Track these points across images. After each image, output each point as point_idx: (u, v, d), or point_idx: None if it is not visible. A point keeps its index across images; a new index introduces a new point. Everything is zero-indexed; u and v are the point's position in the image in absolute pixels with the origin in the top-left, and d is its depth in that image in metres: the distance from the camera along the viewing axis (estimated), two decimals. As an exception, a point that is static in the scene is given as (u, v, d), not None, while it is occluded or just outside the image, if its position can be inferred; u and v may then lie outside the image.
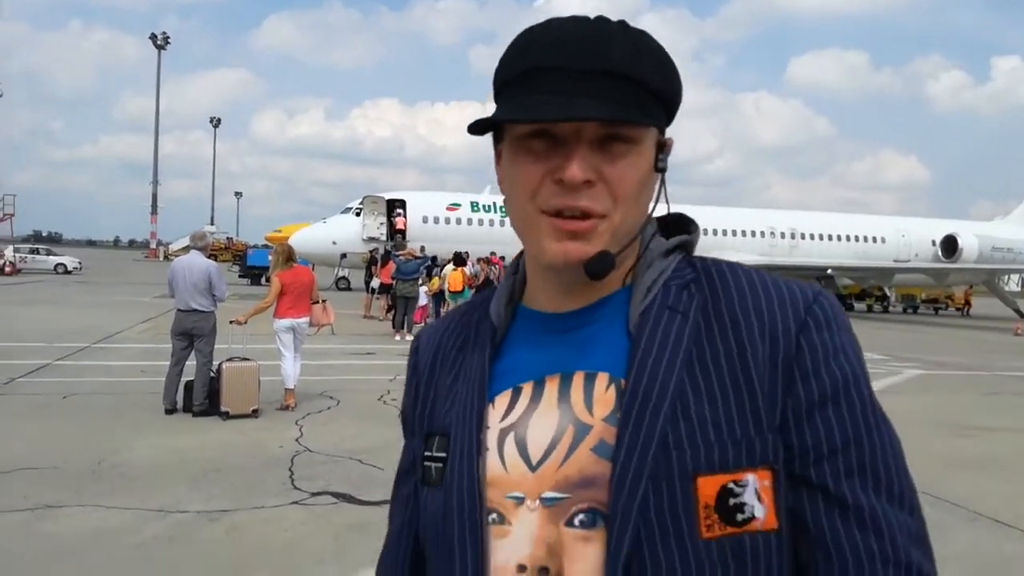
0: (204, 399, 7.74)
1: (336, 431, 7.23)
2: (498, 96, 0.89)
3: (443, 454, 0.90)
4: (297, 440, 6.82)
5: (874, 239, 36.10)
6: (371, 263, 20.70)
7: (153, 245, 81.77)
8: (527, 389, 0.89)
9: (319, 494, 5.33)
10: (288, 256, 8.51)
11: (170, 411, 7.72)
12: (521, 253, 0.98)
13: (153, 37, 72.49)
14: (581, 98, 0.81)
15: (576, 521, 0.81)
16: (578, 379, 0.87)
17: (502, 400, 0.89)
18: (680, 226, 0.97)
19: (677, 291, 0.88)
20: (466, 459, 0.87)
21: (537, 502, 0.83)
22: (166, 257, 76.97)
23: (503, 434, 0.87)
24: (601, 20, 0.86)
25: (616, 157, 0.83)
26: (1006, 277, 37.82)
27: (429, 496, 0.91)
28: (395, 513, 1.05)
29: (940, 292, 39.26)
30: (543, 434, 0.85)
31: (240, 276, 35.18)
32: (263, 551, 4.31)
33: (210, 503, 5.02)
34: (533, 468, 0.84)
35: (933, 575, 0.82)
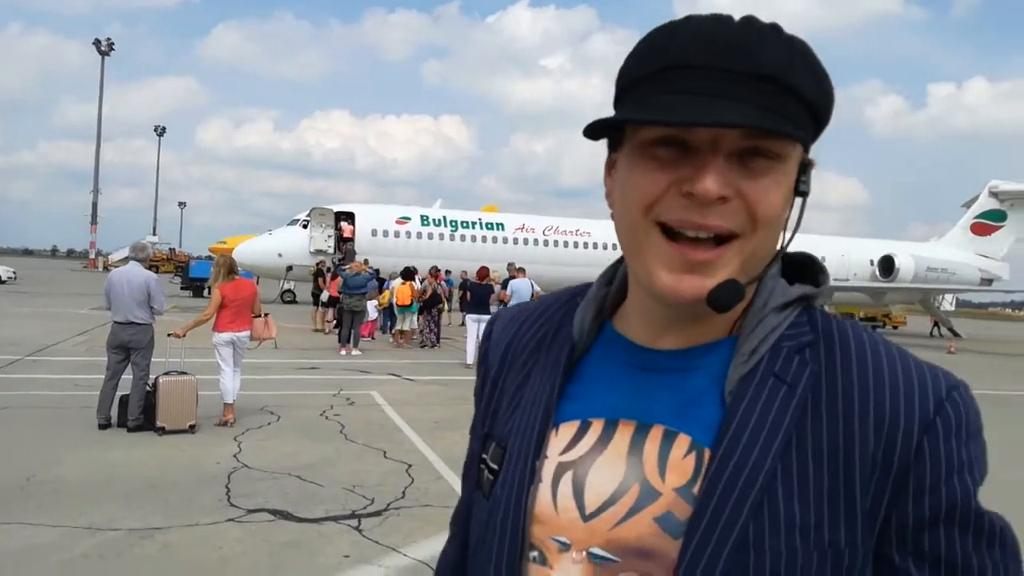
0: (139, 414, 7.56)
1: (275, 447, 7.13)
2: (623, 96, 0.78)
3: (496, 466, 0.85)
4: (235, 456, 6.71)
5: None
6: (317, 275, 20.46)
7: (92, 255, 79.61)
8: (596, 427, 0.81)
9: (256, 511, 5.25)
10: (230, 268, 8.38)
11: (104, 426, 7.53)
12: (620, 261, 0.88)
13: (97, 43, 70.85)
14: (725, 101, 0.69)
15: None
16: (656, 433, 0.78)
17: (567, 430, 0.82)
18: (805, 270, 0.84)
19: (788, 355, 0.77)
20: (516, 486, 0.81)
21: (584, 554, 0.76)
22: (105, 268, 74.95)
23: (561, 469, 0.80)
24: (750, 19, 0.74)
25: (757, 174, 0.72)
26: (940, 297, 39.06)
27: (479, 503, 0.88)
28: (465, 487, 1.00)
29: (878, 311, 40.39)
30: (605, 484, 0.77)
31: (182, 288, 34.47)
32: (196, 569, 4.23)
33: (143, 520, 4.91)
34: (586, 518, 0.77)
35: None
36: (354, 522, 5.12)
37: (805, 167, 0.77)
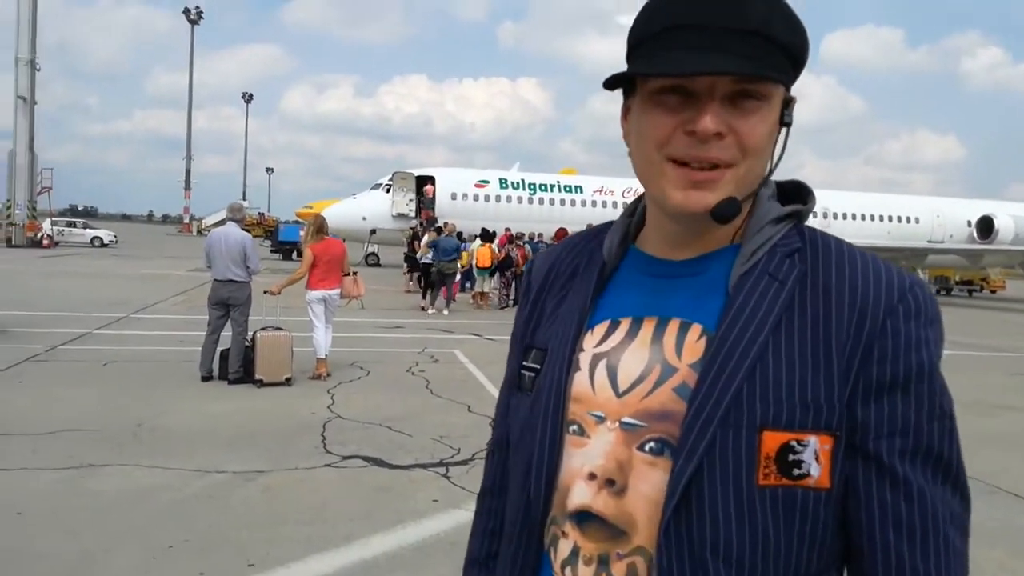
0: (239, 367, 7.95)
1: (366, 400, 7.41)
2: (633, 52, 0.93)
3: (538, 365, 1.01)
4: (329, 408, 7.01)
5: (908, 219, 35.59)
6: (413, 238, 20.77)
7: (186, 220, 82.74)
8: (625, 324, 0.97)
9: (350, 457, 5.50)
10: (319, 228, 8.66)
11: (206, 378, 7.95)
12: (640, 197, 1.05)
13: (186, 12, 72.86)
14: (718, 54, 0.84)
15: (647, 447, 0.90)
16: (673, 325, 0.94)
17: (600, 328, 0.98)
18: (797, 195, 1.01)
19: (781, 258, 0.93)
20: (557, 373, 0.97)
21: (617, 424, 0.92)
22: (199, 232, 77.86)
23: (596, 359, 0.96)
24: None
25: (747, 112, 0.87)
26: (1043, 259, 37.13)
27: (520, 401, 1.03)
28: (498, 424, 1.17)
29: (975, 274, 38.69)
30: (633, 367, 0.93)
31: (272, 251, 35.58)
32: (297, 509, 4.48)
33: (246, 464, 5.22)
34: (619, 395, 0.93)
35: (962, 555, 0.89)
36: (442, 470, 5.31)
37: (788, 103, 0.92)
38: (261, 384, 7.82)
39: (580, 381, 0.96)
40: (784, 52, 0.88)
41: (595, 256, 1.04)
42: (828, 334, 0.88)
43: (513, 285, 18.67)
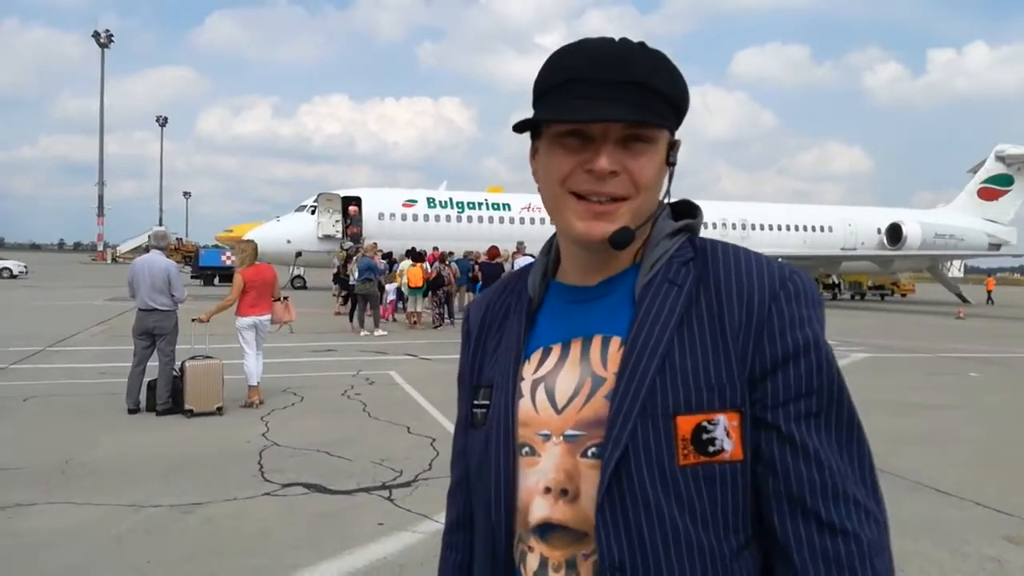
0: (168, 398, 7.75)
1: (302, 426, 7.31)
2: (539, 100, 1.06)
3: (487, 402, 1.12)
4: (264, 435, 6.88)
5: (822, 228, 36.96)
6: (347, 260, 20.51)
7: (100, 248, 80.00)
8: (556, 349, 1.08)
9: (289, 485, 5.42)
10: (255, 253, 8.55)
11: (133, 411, 7.72)
12: (554, 236, 1.17)
13: (96, 35, 70.88)
14: (610, 103, 0.98)
15: (589, 453, 1.00)
16: (596, 341, 1.06)
17: (535, 357, 1.10)
18: (687, 211, 1.15)
19: (678, 267, 1.06)
20: (504, 402, 1.08)
21: (561, 438, 1.02)
22: (114, 259, 75.37)
23: (535, 383, 1.07)
24: (625, 41, 1.04)
25: (637, 153, 1.01)
26: (948, 263, 39.04)
27: (474, 436, 1.14)
28: (456, 464, 1.26)
29: (886, 279, 40.40)
30: (568, 384, 1.04)
31: (192, 277, 34.70)
32: (239, 540, 4.40)
33: (182, 497, 5.09)
34: (559, 411, 1.03)
35: (863, 507, 0.98)
36: (385, 493, 5.29)
37: (672, 145, 1.07)
38: (191, 414, 7.63)
39: (524, 406, 1.06)
40: (667, 102, 1.02)
41: (523, 295, 1.16)
42: (723, 324, 1.00)
43: (445, 304, 18.68)
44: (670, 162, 1.07)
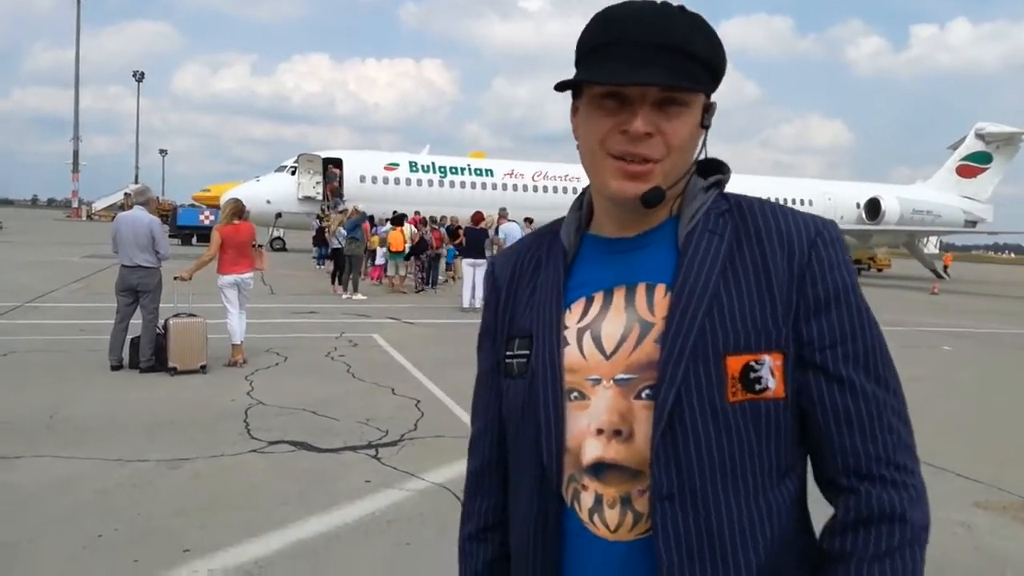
0: (151, 355, 7.73)
1: (287, 385, 7.33)
2: (581, 61, 1.10)
3: (525, 351, 1.15)
4: (248, 394, 6.90)
5: (801, 201, 37.16)
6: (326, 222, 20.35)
7: (75, 204, 78.81)
8: (598, 298, 1.13)
9: (276, 443, 5.46)
10: (237, 212, 8.50)
11: (116, 367, 7.70)
12: (585, 189, 1.22)
13: (71, -15, 69.03)
14: (648, 67, 1.02)
15: (643, 395, 1.06)
16: (641, 289, 1.10)
17: (577, 306, 1.13)
18: (716, 168, 1.19)
19: (715, 217, 1.12)
20: (549, 351, 1.11)
21: (611, 382, 1.07)
22: (89, 216, 74.27)
23: (580, 332, 1.11)
24: (665, 4, 1.07)
25: (672, 116, 1.05)
26: (925, 239, 39.47)
27: (511, 386, 1.17)
28: (478, 412, 1.30)
29: (863, 253, 40.81)
30: (615, 331, 1.09)
31: (170, 236, 34.29)
32: (227, 495, 4.44)
33: (169, 452, 5.12)
34: (608, 356, 1.08)
35: (908, 439, 1.08)
36: (372, 451, 5.34)
37: (708, 108, 1.10)
38: (175, 372, 7.63)
39: (571, 353, 1.10)
40: (703, 65, 1.05)
41: (554, 247, 1.19)
42: (767, 270, 1.06)
43: (430, 268, 18.67)
44: (704, 124, 1.10)
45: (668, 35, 1.03)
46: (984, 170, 40.64)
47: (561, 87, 1.10)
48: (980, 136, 40.12)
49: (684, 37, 1.04)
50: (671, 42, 1.03)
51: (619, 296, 1.11)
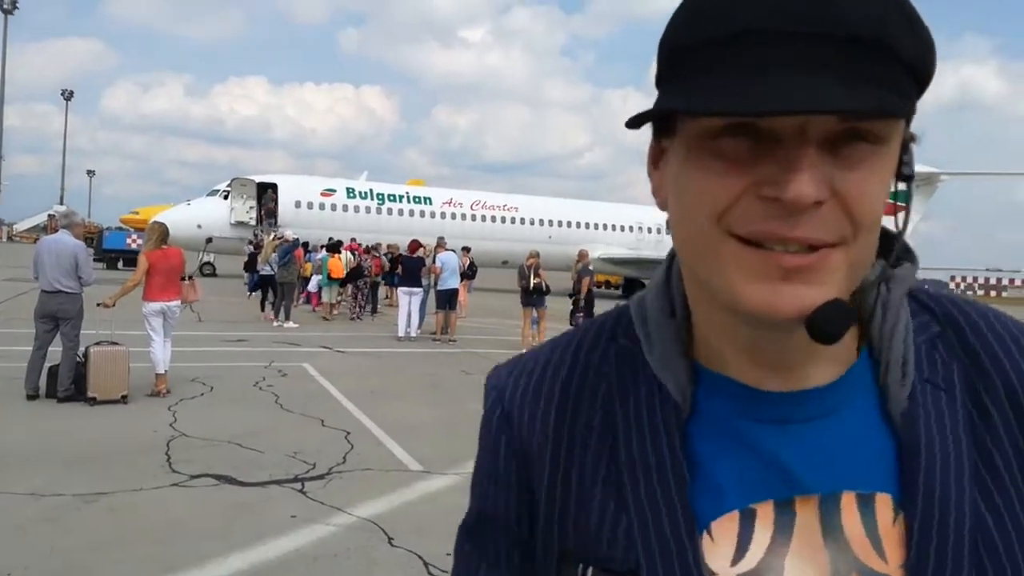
0: (70, 384, 7.48)
1: (211, 416, 7.18)
2: (671, 73, 0.60)
3: None
4: (171, 425, 6.73)
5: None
6: (258, 248, 20.04)
7: (-5, 224, 75.87)
8: (765, 513, 0.62)
9: (199, 476, 5.34)
10: (164, 236, 8.32)
11: (32, 396, 7.43)
12: (667, 268, 0.71)
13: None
14: (811, 76, 0.53)
15: None
16: (849, 502, 0.62)
17: (725, 529, 0.62)
18: (885, 247, 0.65)
19: (928, 354, 0.65)
20: None
21: None
22: (10, 238, 71.61)
23: None
24: None
25: (855, 164, 0.56)
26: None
27: None
28: None
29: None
30: None
31: (96, 259, 33.29)
32: (147, 530, 4.33)
33: (87, 486, 4.95)
34: None
35: None
36: (298, 485, 5.26)
37: (906, 144, 0.61)
38: (95, 402, 7.38)
39: None
40: (906, 69, 0.56)
41: (638, 389, 0.67)
42: None
43: (369, 295, 18.57)
44: (905, 174, 0.62)
45: (843, 17, 0.53)
46: (903, 208, 42.41)
47: (637, 122, 0.59)
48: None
49: (873, 19, 0.53)
50: (853, 30, 0.53)
51: (807, 512, 0.62)
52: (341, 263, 17.25)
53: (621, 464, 0.65)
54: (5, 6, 66.73)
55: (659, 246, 35.40)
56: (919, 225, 43.45)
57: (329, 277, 17.28)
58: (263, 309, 16.41)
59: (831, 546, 0.60)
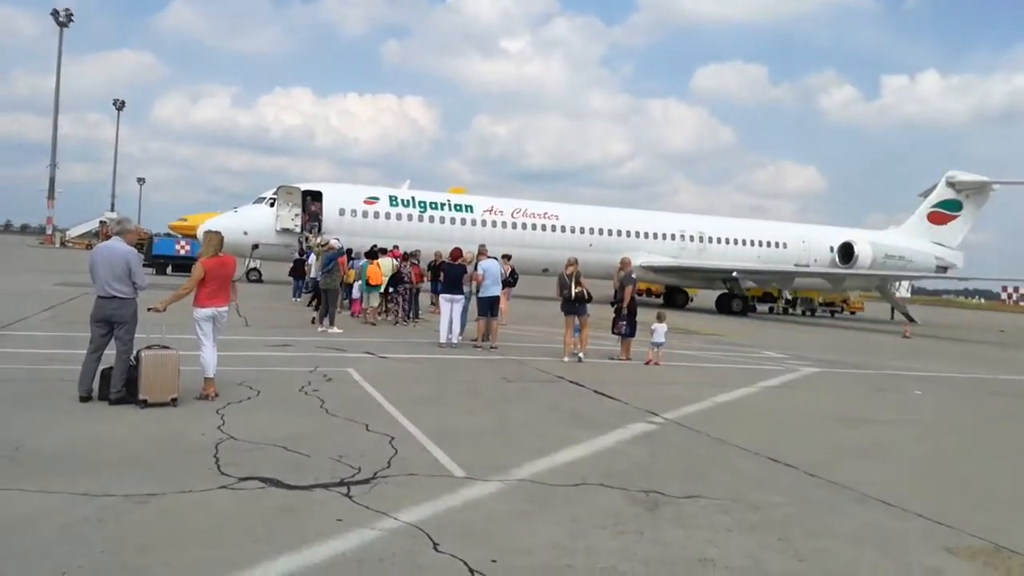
0: (122, 387, 7.62)
1: (258, 420, 7.25)
2: None
3: None
4: (219, 428, 6.81)
5: (777, 244, 37.68)
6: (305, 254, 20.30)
7: (49, 231, 78.09)
8: None
9: (246, 479, 5.38)
10: (220, 245, 8.47)
11: (85, 399, 7.58)
12: None
13: (55, 13, 69.23)
14: None
15: None
16: None
17: None
18: None
19: None
20: None
21: None
22: (63, 243, 73.58)
23: None
24: None
25: None
26: (896, 283, 40.05)
27: None
28: None
29: (836, 297, 41.30)
30: None
31: (145, 265, 33.97)
32: (196, 532, 4.37)
33: (136, 487, 5.02)
34: None
35: None
36: (344, 489, 5.28)
37: None
38: (145, 404, 7.51)
39: None
40: None
41: None
42: None
43: (410, 303, 18.62)
44: None
45: None
46: (955, 217, 41.46)
47: None
48: (951, 184, 41.01)
49: None
50: None
51: None
52: (380, 270, 17.36)
53: None
54: (61, 19, 68.83)
55: (701, 254, 35.13)
56: (969, 235, 42.47)
57: (368, 283, 17.42)
58: (316, 316, 16.59)
59: None
